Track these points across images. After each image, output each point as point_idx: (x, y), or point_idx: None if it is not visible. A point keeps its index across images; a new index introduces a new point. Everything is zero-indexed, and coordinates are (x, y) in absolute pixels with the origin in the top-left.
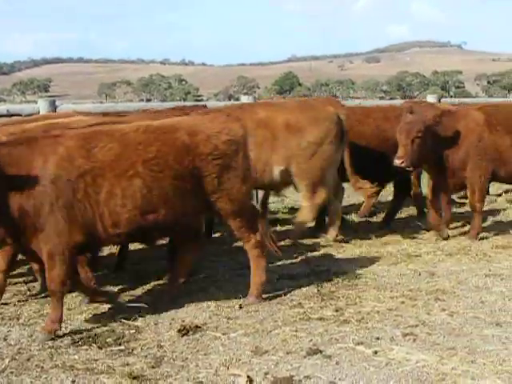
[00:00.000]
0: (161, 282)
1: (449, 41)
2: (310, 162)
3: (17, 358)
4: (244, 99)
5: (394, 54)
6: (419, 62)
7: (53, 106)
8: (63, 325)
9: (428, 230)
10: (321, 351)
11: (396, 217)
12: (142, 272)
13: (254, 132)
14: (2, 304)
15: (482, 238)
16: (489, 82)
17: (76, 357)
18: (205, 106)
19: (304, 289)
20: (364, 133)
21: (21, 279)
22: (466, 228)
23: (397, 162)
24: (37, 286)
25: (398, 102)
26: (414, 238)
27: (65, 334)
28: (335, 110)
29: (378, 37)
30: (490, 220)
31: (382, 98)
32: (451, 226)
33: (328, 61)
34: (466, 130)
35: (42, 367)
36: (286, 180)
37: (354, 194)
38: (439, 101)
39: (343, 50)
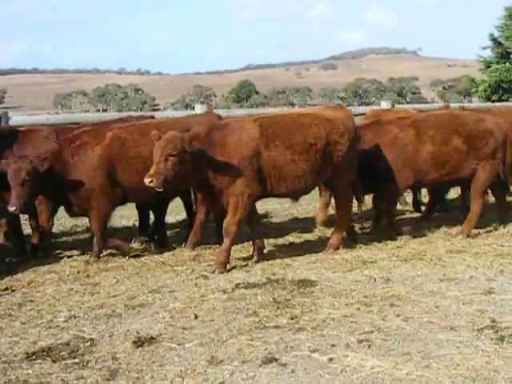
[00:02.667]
0: None
1: (404, 47)
2: None
3: None
4: (198, 108)
5: (351, 60)
6: (375, 68)
7: (5, 118)
8: (17, 339)
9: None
10: (276, 359)
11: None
12: None
13: None
14: None
15: (437, 243)
16: (444, 88)
17: (30, 371)
18: (152, 117)
19: (259, 297)
20: (142, 154)
21: None
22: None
23: (146, 180)
24: None
25: (355, 108)
26: (369, 244)
27: (18, 348)
28: None
29: (333, 44)
30: (444, 225)
31: (339, 105)
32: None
33: (285, 68)
34: (238, 144)
35: None
36: None
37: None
38: (393, 106)
39: (299, 58)
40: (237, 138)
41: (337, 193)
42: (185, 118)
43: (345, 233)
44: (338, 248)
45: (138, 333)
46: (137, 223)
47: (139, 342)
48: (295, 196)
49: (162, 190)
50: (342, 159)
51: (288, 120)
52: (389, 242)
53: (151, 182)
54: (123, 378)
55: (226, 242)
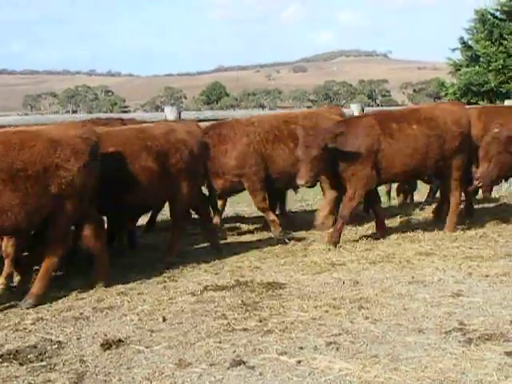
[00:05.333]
0: None
1: (375, 50)
2: None
3: None
4: (167, 110)
5: (321, 63)
6: (346, 71)
7: None
8: None
9: None
10: (244, 362)
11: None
12: None
13: None
14: None
15: (405, 246)
16: (414, 91)
17: None
18: (121, 119)
19: (228, 300)
20: None
21: None
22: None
23: None
24: None
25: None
26: (338, 246)
27: None
28: None
29: (304, 46)
30: (414, 227)
31: (309, 107)
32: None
33: (255, 70)
34: None
35: None
36: None
37: None
38: (363, 110)
39: (270, 60)
40: None
41: (51, 236)
42: None
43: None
44: (37, 300)
45: (106, 335)
46: None
47: (107, 345)
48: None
49: None
50: (69, 188)
51: None
52: (358, 244)
53: None
54: (91, 380)
55: None
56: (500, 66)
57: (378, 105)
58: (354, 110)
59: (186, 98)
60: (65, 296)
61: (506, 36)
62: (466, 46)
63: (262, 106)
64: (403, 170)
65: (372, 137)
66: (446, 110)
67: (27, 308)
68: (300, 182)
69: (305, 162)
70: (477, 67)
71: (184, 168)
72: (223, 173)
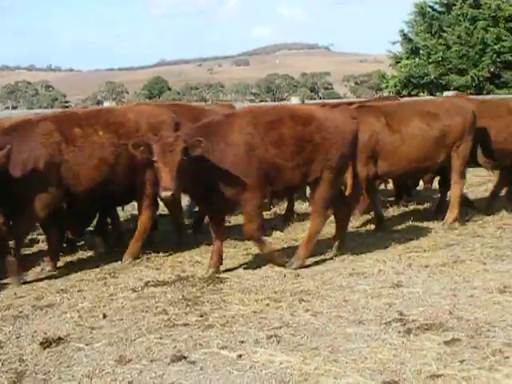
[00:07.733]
0: None
1: (316, 43)
2: None
3: None
4: (107, 105)
5: (263, 56)
6: (288, 64)
7: None
8: None
9: None
10: (185, 357)
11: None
12: None
13: None
14: None
15: (346, 238)
16: (356, 83)
17: None
18: None
19: (169, 295)
20: None
21: None
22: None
23: None
24: None
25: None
26: (278, 239)
27: None
28: None
29: (246, 39)
30: (355, 220)
31: (252, 100)
32: None
33: (197, 64)
34: None
35: None
36: None
37: None
38: (303, 102)
39: (212, 54)
40: None
41: None
42: None
43: None
44: None
45: (46, 333)
46: None
47: (47, 343)
48: None
49: None
50: None
51: None
52: (299, 237)
53: None
54: (30, 379)
55: None
56: (440, 58)
57: (321, 98)
58: (294, 103)
59: (127, 92)
60: (3, 294)
61: (446, 28)
62: (406, 39)
63: (205, 100)
64: (89, 188)
65: (50, 146)
66: (143, 112)
67: None
68: None
69: None
70: (417, 59)
71: None
72: None
